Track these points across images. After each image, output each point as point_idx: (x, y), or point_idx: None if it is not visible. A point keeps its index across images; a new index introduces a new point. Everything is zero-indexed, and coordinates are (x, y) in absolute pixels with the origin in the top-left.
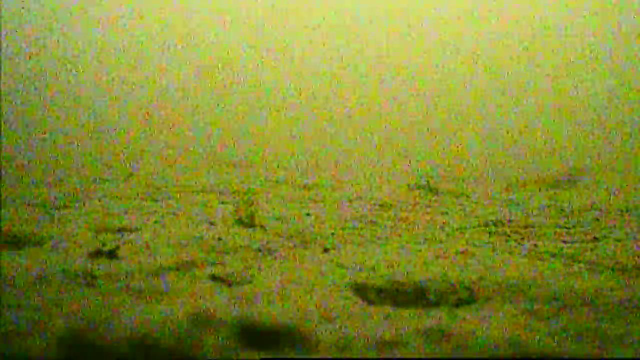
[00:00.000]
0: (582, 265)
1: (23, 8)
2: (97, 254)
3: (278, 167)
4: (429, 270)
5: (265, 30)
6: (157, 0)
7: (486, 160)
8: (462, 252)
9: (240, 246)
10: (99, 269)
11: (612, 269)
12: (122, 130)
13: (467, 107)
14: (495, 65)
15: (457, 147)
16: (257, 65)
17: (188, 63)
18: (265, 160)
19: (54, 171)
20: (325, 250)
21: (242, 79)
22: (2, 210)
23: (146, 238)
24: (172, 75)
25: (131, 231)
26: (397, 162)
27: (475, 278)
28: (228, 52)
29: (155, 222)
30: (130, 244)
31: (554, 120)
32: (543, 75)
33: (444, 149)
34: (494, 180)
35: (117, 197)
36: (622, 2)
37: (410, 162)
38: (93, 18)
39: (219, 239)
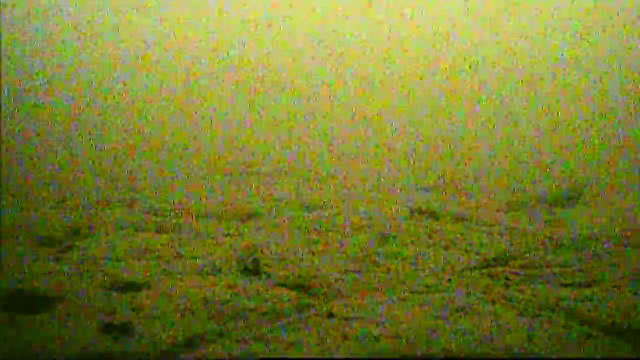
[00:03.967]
0: (579, 326)
1: (23, 25)
2: (109, 327)
3: (278, 182)
4: (432, 342)
5: (268, 47)
6: (149, 14)
7: (486, 178)
8: (463, 309)
9: (248, 309)
10: (113, 349)
11: (609, 332)
12: (123, 153)
13: (466, 123)
14: (495, 82)
15: (457, 165)
16: (259, 77)
17: (184, 85)
18: (265, 175)
19: (55, 198)
20: (330, 315)
21: (242, 91)
22: (4, 245)
23: (156, 302)
24: (171, 94)
25: (141, 288)
26: (398, 182)
27: (478, 352)
28: (227, 65)
29: (163, 272)
30: (141, 311)
31: (553, 137)
32: (543, 92)
33: (443, 167)
34: (494, 199)
35: (121, 227)
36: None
37: (410, 181)
38: (92, 44)
39: (227, 301)
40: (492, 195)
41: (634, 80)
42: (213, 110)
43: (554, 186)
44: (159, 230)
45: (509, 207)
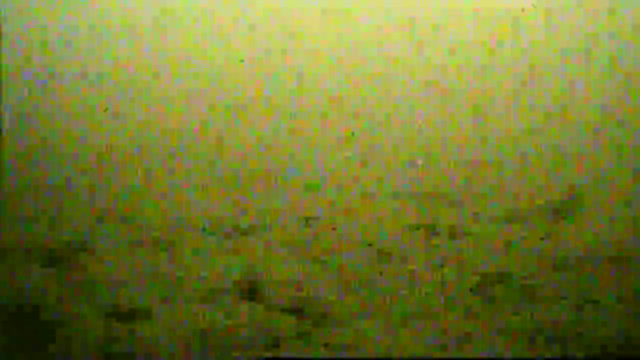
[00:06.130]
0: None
1: (24, 36)
2: (109, 357)
3: (276, 196)
4: None
5: (263, 65)
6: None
7: (485, 188)
8: (457, 338)
9: (247, 339)
10: None
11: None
12: (119, 173)
13: (465, 132)
14: (494, 92)
15: (455, 176)
16: (257, 92)
17: (182, 102)
18: (263, 190)
19: (53, 215)
20: (326, 345)
21: (244, 108)
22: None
23: (156, 333)
24: (169, 111)
25: (141, 315)
26: (396, 195)
27: None
28: (226, 81)
29: (163, 298)
30: (141, 342)
31: (553, 146)
32: (542, 100)
33: (442, 179)
34: (494, 211)
35: (117, 244)
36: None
37: (408, 194)
38: (98, 57)
39: (225, 329)
40: (490, 205)
41: (634, 91)
42: (210, 128)
43: (553, 196)
44: (154, 245)
45: (507, 219)
